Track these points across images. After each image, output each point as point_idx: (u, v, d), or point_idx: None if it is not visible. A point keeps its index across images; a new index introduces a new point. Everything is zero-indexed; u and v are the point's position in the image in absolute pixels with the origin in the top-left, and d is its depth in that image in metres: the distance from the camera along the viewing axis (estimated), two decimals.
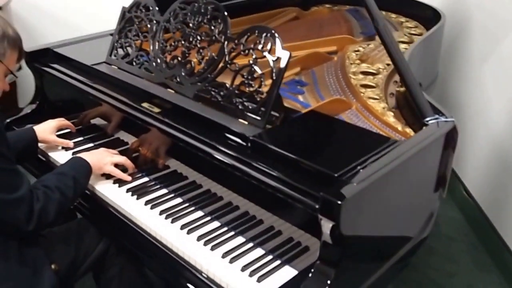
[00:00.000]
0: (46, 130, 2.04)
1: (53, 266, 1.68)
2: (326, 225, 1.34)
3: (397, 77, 2.27)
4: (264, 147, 1.56)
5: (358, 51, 2.49)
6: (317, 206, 1.36)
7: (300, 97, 2.07)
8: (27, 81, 2.42)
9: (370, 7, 1.83)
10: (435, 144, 1.68)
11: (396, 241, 1.66)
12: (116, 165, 1.86)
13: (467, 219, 3.17)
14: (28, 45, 2.30)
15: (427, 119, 1.71)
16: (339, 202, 1.29)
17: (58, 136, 2.09)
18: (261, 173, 1.50)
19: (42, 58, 2.29)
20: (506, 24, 2.85)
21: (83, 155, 1.82)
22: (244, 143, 1.60)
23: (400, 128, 1.81)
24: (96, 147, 2.08)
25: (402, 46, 2.55)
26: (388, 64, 2.34)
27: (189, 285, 1.52)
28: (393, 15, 3.02)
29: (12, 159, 1.57)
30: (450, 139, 1.72)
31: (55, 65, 2.23)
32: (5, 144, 1.54)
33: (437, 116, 1.72)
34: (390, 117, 1.89)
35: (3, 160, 1.53)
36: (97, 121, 2.16)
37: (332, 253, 1.36)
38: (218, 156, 1.61)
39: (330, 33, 2.70)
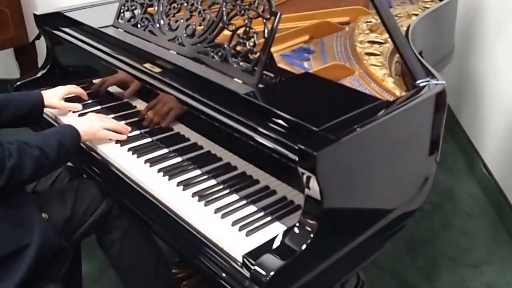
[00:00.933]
0: (54, 95, 2.04)
1: (43, 215, 1.69)
2: (306, 178, 1.36)
3: None
4: (254, 104, 1.57)
5: (370, 22, 2.47)
6: (296, 158, 1.36)
7: (305, 64, 2.07)
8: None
9: None
10: (424, 106, 1.65)
11: (385, 203, 1.65)
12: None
13: (487, 196, 3.12)
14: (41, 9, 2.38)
15: (418, 81, 1.69)
16: (315, 153, 1.29)
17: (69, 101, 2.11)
18: (250, 129, 1.52)
19: (53, 22, 2.34)
20: None
21: (73, 123, 1.81)
22: (236, 101, 1.61)
23: (398, 93, 1.79)
24: (103, 109, 2.13)
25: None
26: None
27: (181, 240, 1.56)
28: None
29: None
30: (441, 101, 1.69)
31: (65, 29, 2.28)
32: None
33: (428, 79, 1.70)
34: (390, 83, 1.88)
35: None
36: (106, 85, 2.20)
37: (313, 207, 1.37)
38: (212, 113, 1.63)
39: (345, 4, 2.67)
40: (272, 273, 1.30)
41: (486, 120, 3.17)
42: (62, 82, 2.34)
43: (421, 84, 1.66)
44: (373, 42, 2.24)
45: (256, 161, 1.60)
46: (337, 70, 1.95)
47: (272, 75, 1.70)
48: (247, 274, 1.38)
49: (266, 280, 1.30)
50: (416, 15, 2.59)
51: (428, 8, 2.74)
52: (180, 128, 1.84)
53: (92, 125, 1.84)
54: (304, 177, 1.35)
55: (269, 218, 1.54)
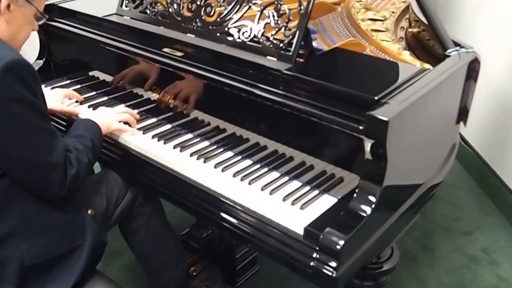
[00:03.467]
0: (52, 99, 1.94)
1: (89, 212, 1.69)
2: (368, 144, 1.38)
3: (403, 24, 2.30)
4: (299, 79, 1.57)
5: (361, 1, 2.51)
6: (361, 128, 1.38)
7: (314, 43, 2.07)
8: None
9: None
10: (458, 74, 1.72)
11: (428, 168, 1.70)
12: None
13: (466, 168, 3.24)
14: None
15: (449, 50, 1.74)
16: (386, 119, 1.32)
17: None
18: (299, 103, 1.52)
19: (47, 14, 2.22)
20: None
21: (91, 118, 1.77)
22: (277, 78, 1.61)
23: (418, 65, 1.84)
24: (110, 100, 2.08)
25: None
26: (392, 12, 2.37)
27: (232, 220, 1.54)
28: None
29: (48, 117, 1.49)
30: (472, 69, 1.76)
31: (62, 20, 2.19)
32: (42, 97, 1.46)
33: (458, 47, 1.75)
34: (407, 56, 1.91)
35: (41, 116, 1.45)
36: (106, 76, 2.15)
37: (377, 169, 1.40)
38: (255, 91, 1.60)
39: None
40: (343, 241, 1.32)
41: None
42: (57, 75, 2.28)
43: (452, 53, 1.71)
44: (374, 20, 2.28)
45: (295, 141, 1.62)
46: (352, 46, 1.97)
47: (303, 51, 1.70)
48: (313, 245, 1.38)
49: (339, 248, 1.31)
50: None
51: None
52: (212, 115, 1.82)
53: (107, 119, 1.81)
54: (369, 145, 1.37)
55: (317, 192, 1.56)
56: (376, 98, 1.41)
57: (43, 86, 2.17)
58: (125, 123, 1.87)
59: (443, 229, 2.78)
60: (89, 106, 2.05)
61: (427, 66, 1.81)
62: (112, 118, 1.83)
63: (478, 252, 2.64)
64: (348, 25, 2.24)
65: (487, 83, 2.98)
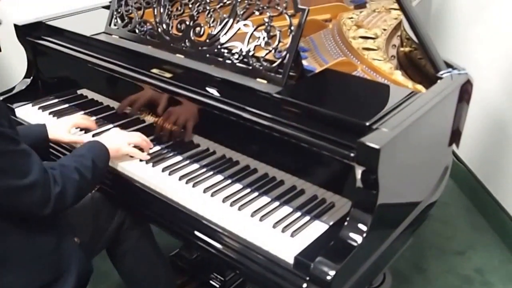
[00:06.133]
0: (60, 128, 1.86)
1: (76, 239, 1.64)
2: (359, 171, 1.36)
3: (395, 41, 2.28)
4: (289, 103, 1.55)
5: (352, 18, 2.49)
6: (352, 155, 1.36)
7: (304, 62, 2.05)
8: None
9: None
10: (450, 97, 1.69)
11: (420, 192, 1.68)
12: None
13: (459, 185, 3.22)
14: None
15: (441, 72, 1.72)
16: (378, 147, 1.29)
17: None
18: (289, 128, 1.49)
19: (35, 32, 2.22)
20: None
21: (99, 139, 1.72)
22: (267, 101, 1.58)
23: (410, 86, 1.81)
24: (98, 120, 2.05)
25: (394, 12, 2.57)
26: (384, 29, 2.35)
27: (221, 247, 1.51)
28: None
29: (17, 139, 1.41)
30: (465, 91, 1.73)
31: (50, 38, 2.16)
32: (5, 121, 1.39)
33: (450, 69, 1.73)
34: (399, 76, 1.89)
35: (9, 141, 1.38)
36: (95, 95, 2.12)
37: (368, 198, 1.37)
38: (241, 114, 1.58)
39: (320, 2, 2.69)
40: (334, 271, 1.29)
41: None
42: (44, 94, 2.25)
43: (444, 75, 1.69)
44: (365, 38, 2.26)
45: (285, 164, 1.59)
46: (342, 66, 1.95)
47: (294, 73, 1.68)
48: (303, 275, 1.35)
49: (330, 279, 1.28)
50: (394, 9, 2.64)
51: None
52: (202, 137, 1.79)
53: (117, 140, 1.75)
54: (360, 172, 1.35)
55: (307, 218, 1.52)
56: (367, 124, 1.39)
57: (30, 105, 2.15)
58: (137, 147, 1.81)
59: (436, 248, 2.75)
60: (93, 135, 1.96)
61: (419, 87, 1.79)
62: (123, 140, 1.76)
63: (471, 272, 2.61)
64: (340, 43, 2.22)
65: (481, 99, 2.96)
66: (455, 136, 1.78)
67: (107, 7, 2.33)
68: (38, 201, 1.42)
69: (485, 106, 2.93)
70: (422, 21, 1.72)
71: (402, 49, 2.14)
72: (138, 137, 1.80)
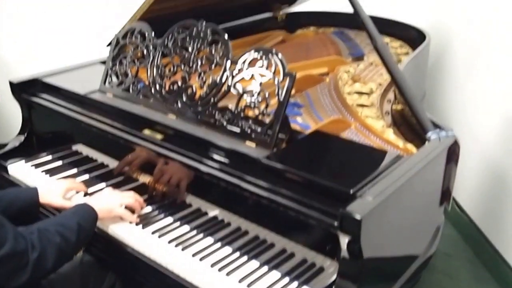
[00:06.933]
0: (52, 192, 1.83)
1: None
2: (344, 241, 1.35)
3: (390, 96, 2.29)
4: (276, 169, 1.55)
5: (349, 71, 2.50)
6: (335, 224, 1.35)
7: (299, 119, 2.06)
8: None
9: (367, 25, 1.86)
10: (438, 159, 1.69)
11: (409, 255, 1.66)
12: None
13: (462, 235, 3.18)
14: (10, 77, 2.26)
15: (429, 134, 1.72)
16: (359, 218, 1.29)
17: None
18: (275, 194, 1.49)
19: (31, 89, 2.23)
20: (488, 40, 2.89)
21: (90, 201, 1.71)
22: (255, 166, 1.58)
23: (401, 145, 1.81)
24: (91, 179, 2.05)
25: None
26: (380, 84, 2.36)
27: None
28: None
29: None
30: (452, 153, 1.73)
31: (45, 96, 2.18)
32: None
33: (438, 130, 1.73)
34: (390, 134, 1.89)
35: None
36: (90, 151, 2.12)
37: (352, 268, 1.36)
38: (230, 179, 1.59)
39: (318, 56, 2.72)
40: None
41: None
42: (39, 150, 2.25)
43: (432, 137, 1.68)
44: (361, 93, 2.26)
45: (275, 226, 1.58)
46: (336, 124, 1.95)
47: (283, 136, 1.68)
48: None
49: None
50: None
51: (398, 53, 2.81)
52: (191, 198, 1.79)
53: (110, 202, 1.74)
54: (344, 240, 1.34)
55: (296, 284, 1.51)
56: (351, 191, 1.38)
57: (23, 162, 2.16)
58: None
59: None
60: (85, 195, 1.95)
61: (409, 146, 1.78)
62: (116, 202, 1.75)
63: None
64: (335, 98, 2.23)
65: (480, 151, 2.96)
66: (445, 196, 1.77)
67: (104, 62, 2.35)
68: (15, 270, 1.41)
69: (484, 158, 2.92)
70: (410, 83, 1.74)
71: (394, 107, 2.14)
72: (131, 198, 1.79)
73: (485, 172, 2.94)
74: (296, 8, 3.21)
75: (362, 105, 2.15)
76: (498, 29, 2.79)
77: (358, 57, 2.77)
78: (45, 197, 1.80)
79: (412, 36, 2.89)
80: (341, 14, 3.05)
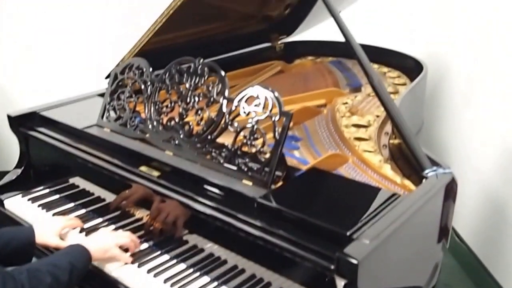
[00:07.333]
0: (48, 231, 1.81)
1: None
2: (341, 284, 1.34)
3: (388, 129, 2.28)
4: (272, 209, 1.54)
5: (346, 103, 2.50)
6: (332, 267, 1.34)
7: (296, 153, 2.06)
8: None
9: (364, 63, 1.87)
10: (436, 197, 1.68)
11: None
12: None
13: (462, 265, 3.16)
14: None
15: (426, 171, 1.72)
16: (355, 262, 1.29)
17: None
18: (270, 235, 1.49)
19: (28, 122, 2.24)
20: (486, 68, 2.90)
21: (85, 241, 1.71)
22: (251, 205, 1.58)
23: (399, 181, 1.81)
24: (86, 214, 2.05)
25: None
26: (377, 116, 2.36)
27: None
28: (375, 65, 3.05)
29: None
30: (450, 190, 1.72)
31: (43, 129, 2.18)
32: None
33: (435, 168, 1.73)
34: (388, 170, 1.88)
35: None
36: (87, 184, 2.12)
37: None
38: (225, 219, 1.59)
39: (316, 86, 2.72)
40: None
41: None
42: (36, 184, 2.25)
43: (429, 174, 1.68)
44: (358, 126, 2.26)
45: (272, 265, 1.57)
46: (334, 159, 1.95)
47: (280, 173, 1.68)
48: None
49: None
50: (389, 92, 2.66)
51: (396, 84, 2.82)
52: (187, 236, 1.78)
53: (104, 242, 1.73)
54: (340, 283, 1.33)
55: None
56: (348, 234, 1.38)
57: (19, 196, 2.16)
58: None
59: None
60: (81, 230, 1.95)
61: (407, 183, 1.78)
62: (111, 242, 1.74)
63: None
64: (333, 131, 2.23)
65: (477, 179, 2.96)
66: (444, 233, 1.76)
67: (101, 95, 2.36)
68: None
69: (483, 187, 2.91)
70: (407, 118, 1.74)
71: (391, 141, 2.14)
72: (127, 238, 1.79)
73: (484, 201, 2.94)
74: (293, 38, 3.22)
75: (359, 139, 2.15)
76: (495, 57, 2.81)
77: (356, 88, 2.77)
78: (41, 238, 1.79)
79: (410, 66, 2.89)
80: (339, 43, 3.06)
